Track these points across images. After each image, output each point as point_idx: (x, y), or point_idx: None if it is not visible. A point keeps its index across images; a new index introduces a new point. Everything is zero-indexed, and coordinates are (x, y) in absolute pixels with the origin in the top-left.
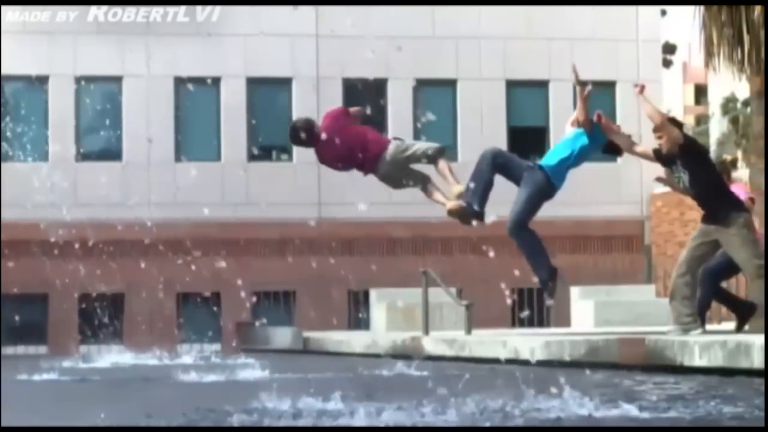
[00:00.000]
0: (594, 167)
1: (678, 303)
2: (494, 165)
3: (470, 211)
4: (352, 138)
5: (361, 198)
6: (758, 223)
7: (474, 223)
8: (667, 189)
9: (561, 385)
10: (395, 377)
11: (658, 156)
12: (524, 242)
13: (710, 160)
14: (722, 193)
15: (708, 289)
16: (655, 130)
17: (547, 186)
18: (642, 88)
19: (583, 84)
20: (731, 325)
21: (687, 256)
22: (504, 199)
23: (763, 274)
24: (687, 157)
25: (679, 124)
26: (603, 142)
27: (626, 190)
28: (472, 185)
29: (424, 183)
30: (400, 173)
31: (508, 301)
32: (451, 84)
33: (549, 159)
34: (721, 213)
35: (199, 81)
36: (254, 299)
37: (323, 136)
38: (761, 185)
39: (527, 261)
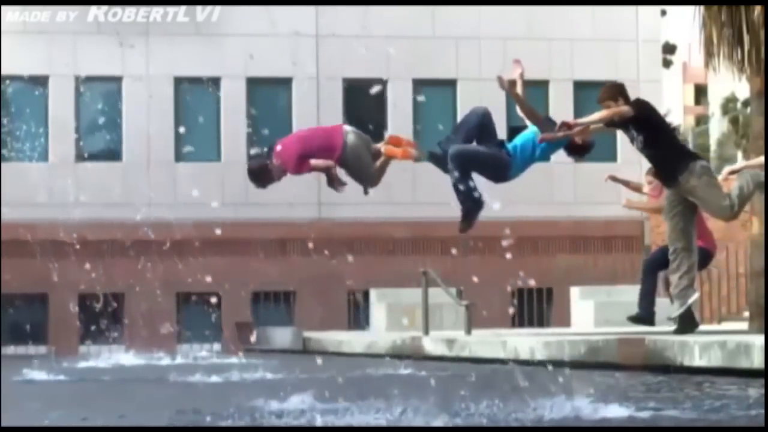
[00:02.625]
0: (594, 167)
1: (684, 271)
2: (480, 123)
3: (437, 154)
4: (306, 132)
5: (360, 198)
6: (758, 223)
7: (416, 157)
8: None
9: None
10: (394, 377)
11: (611, 124)
12: (461, 167)
13: (662, 120)
14: (676, 150)
15: (650, 281)
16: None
17: (503, 171)
18: (567, 126)
19: (511, 85)
20: (731, 325)
21: (673, 231)
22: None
23: (732, 216)
24: (639, 123)
25: (621, 92)
26: (562, 144)
27: (626, 190)
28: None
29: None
30: (364, 145)
31: (510, 310)
32: (451, 84)
33: (515, 147)
34: (678, 170)
35: (199, 81)
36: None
37: (278, 147)
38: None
39: (456, 186)
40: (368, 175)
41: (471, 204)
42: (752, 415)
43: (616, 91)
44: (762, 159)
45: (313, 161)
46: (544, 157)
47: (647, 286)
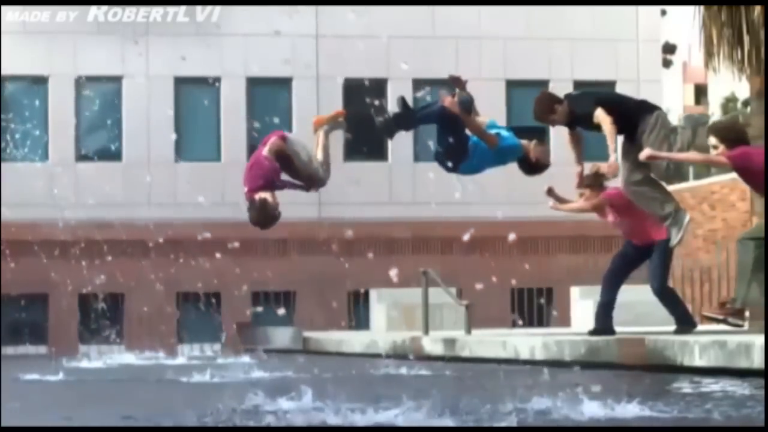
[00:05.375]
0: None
1: (658, 204)
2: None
3: (408, 106)
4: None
5: (361, 198)
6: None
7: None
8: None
9: None
10: (394, 377)
11: (595, 128)
12: (437, 119)
13: (605, 95)
14: (629, 115)
15: (609, 293)
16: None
17: (459, 156)
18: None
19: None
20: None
21: (642, 198)
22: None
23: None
24: (583, 118)
25: (556, 100)
26: (517, 156)
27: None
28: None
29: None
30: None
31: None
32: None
33: (474, 145)
34: (637, 129)
35: (199, 81)
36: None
37: (246, 190)
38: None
39: (411, 112)
40: (315, 162)
41: (391, 125)
42: (752, 415)
43: (551, 101)
44: (688, 154)
45: (264, 150)
46: (496, 165)
47: (605, 299)
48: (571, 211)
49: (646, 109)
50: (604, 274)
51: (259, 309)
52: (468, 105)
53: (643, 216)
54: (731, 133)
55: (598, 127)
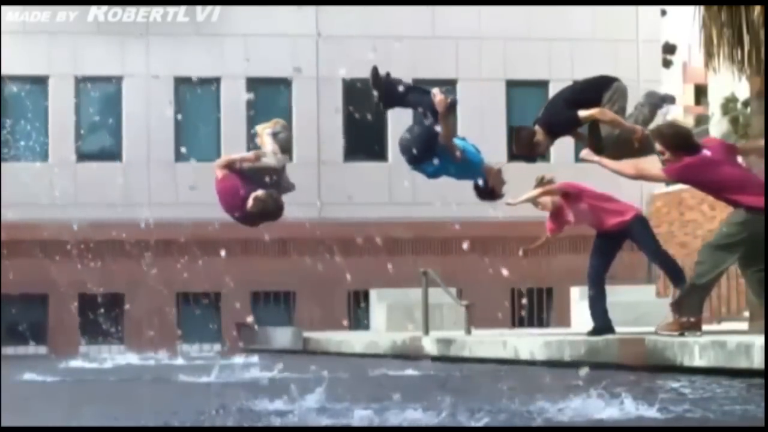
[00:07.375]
0: (594, 168)
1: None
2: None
3: (387, 75)
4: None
5: (360, 198)
6: None
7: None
8: (667, 189)
9: None
10: (393, 378)
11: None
12: (426, 106)
13: (568, 98)
14: (593, 96)
15: (597, 291)
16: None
17: (427, 149)
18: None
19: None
20: (731, 325)
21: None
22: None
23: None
24: (563, 126)
25: (533, 131)
26: (477, 177)
27: (626, 190)
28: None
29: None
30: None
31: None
32: (451, 84)
33: (442, 148)
34: (602, 102)
35: (199, 81)
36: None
37: (236, 216)
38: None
39: (406, 89)
40: (261, 154)
41: (379, 85)
42: (752, 415)
43: (526, 135)
44: (624, 167)
45: (218, 175)
46: (453, 176)
47: (595, 298)
48: (543, 195)
49: (605, 84)
50: (587, 275)
51: (250, 319)
52: (452, 110)
53: (601, 198)
54: (676, 139)
55: (586, 124)
